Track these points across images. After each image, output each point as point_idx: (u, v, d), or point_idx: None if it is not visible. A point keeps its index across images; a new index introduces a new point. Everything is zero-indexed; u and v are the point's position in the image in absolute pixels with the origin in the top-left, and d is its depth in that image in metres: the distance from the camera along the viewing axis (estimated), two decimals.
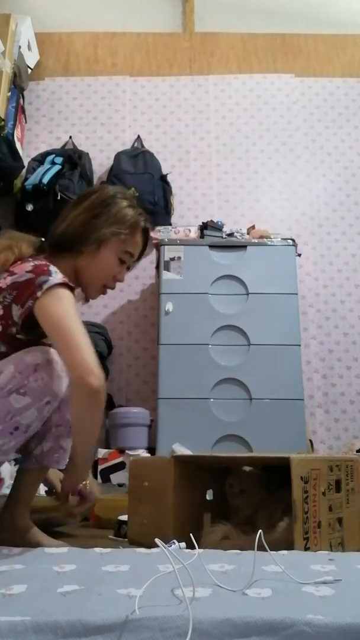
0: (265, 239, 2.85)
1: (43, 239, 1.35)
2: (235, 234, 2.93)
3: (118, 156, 3.30)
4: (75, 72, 3.64)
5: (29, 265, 1.21)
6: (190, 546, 0.99)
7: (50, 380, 1.16)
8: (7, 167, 2.99)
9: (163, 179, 3.26)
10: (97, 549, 0.97)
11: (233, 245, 2.82)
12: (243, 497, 1.30)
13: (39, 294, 1.16)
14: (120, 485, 2.44)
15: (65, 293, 1.18)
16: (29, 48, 3.40)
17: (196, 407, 2.55)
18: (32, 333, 1.21)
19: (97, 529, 1.45)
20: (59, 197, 3.01)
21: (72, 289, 1.21)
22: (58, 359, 1.19)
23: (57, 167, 3.14)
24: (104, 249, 1.32)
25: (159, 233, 2.88)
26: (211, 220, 2.93)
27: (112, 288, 1.41)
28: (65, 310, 1.16)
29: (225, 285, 2.74)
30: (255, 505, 1.28)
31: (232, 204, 3.42)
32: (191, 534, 0.93)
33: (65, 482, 1.24)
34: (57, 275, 1.19)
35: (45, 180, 3.05)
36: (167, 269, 2.75)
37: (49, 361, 1.17)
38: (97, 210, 1.32)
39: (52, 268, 1.21)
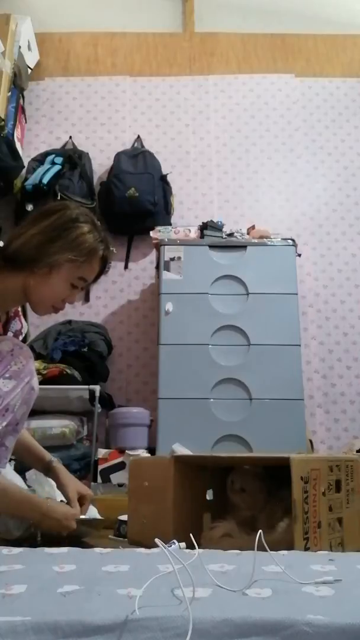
0: (265, 239, 2.85)
1: None
2: (235, 234, 2.93)
3: (118, 156, 3.30)
4: (75, 72, 3.64)
5: None
6: (190, 546, 0.99)
7: (25, 360, 1.25)
8: (7, 167, 2.99)
9: (163, 179, 3.26)
10: (97, 549, 0.97)
11: (233, 245, 2.81)
12: (243, 497, 1.30)
13: None
14: (120, 485, 2.44)
15: None
16: (29, 48, 3.40)
17: (196, 407, 2.55)
18: None
19: (97, 529, 1.45)
20: (59, 197, 3.01)
21: None
22: (21, 343, 1.28)
23: (57, 167, 3.14)
24: (56, 274, 1.26)
25: (159, 233, 2.88)
26: (211, 220, 2.93)
27: (62, 309, 1.34)
28: None
29: (225, 285, 2.74)
30: (254, 507, 1.28)
31: (232, 204, 3.42)
32: (191, 534, 0.93)
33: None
34: None
35: (45, 180, 3.05)
36: (167, 269, 2.75)
37: (18, 345, 1.26)
38: (54, 234, 1.26)
39: None
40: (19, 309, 1.42)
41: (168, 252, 2.77)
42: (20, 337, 1.40)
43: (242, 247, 2.80)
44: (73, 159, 3.21)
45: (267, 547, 0.79)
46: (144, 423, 2.70)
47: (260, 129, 3.56)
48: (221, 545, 1.12)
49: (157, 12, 3.76)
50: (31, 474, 1.59)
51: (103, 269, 1.36)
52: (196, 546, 0.92)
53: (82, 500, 1.36)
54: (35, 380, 1.30)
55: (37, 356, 2.77)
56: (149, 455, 2.51)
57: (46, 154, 3.28)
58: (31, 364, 1.28)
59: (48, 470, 1.40)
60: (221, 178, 3.46)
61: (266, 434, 2.50)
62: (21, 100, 3.30)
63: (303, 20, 3.73)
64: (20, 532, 1.29)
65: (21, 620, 0.56)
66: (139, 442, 2.63)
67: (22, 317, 1.42)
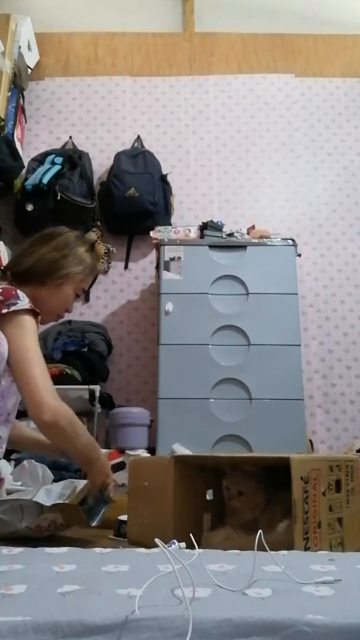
0: (265, 239, 2.85)
1: (2, 268, 1.50)
2: (235, 234, 2.93)
3: (118, 156, 3.30)
4: (75, 72, 3.64)
5: None
6: (190, 546, 0.99)
7: None
8: (7, 167, 3.00)
9: (163, 179, 3.26)
10: (97, 549, 0.96)
11: (233, 245, 2.82)
12: (241, 500, 1.29)
13: (4, 310, 1.27)
14: (120, 485, 2.43)
15: (30, 322, 1.30)
16: (29, 48, 3.40)
17: (196, 407, 2.55)
18: None
19: (97, 529, 1.45)
20: (59, 197, 3.01)
21: (37, 315, 1.34)
22: None
23: (57, 167, 3.14)
24: (67, 285, 1.47)
25: (159, 233, 2.88)
26: (211, 220, 2.93)
27: (62, 317, 1.55)
28: (26, 343, 1.27)
29: (225, 285, 2.74)
30: (255, 507, 1.27)
31: (232, 204, 3.42)
32: (191, 534, 0.93)
33: (90, 483, 1.38)
34: (24, 300, 1.32)
35: (45, 180, 3.05)
36: (167, 269, 2.75)
37: None
38: (65, 251, 1.47)
39: (20, 293, 1.33)
40: None
41: (168, 252, 2.77)
42: None
43: (242, 247, 2.80)
44: (73, 159, 3.21)
45: (267, 547, 0.79)
46: (144, 423, 2.70)
47: (260, 129, 3.56)
48: (221, 545, 1.12)
49: (157, 12, 3.76)
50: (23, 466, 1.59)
51: (93, 282, 1.62)
52: (196, 546, 0.91)
53: None
54: None
55: None
56: (149, 455, 2.51)
57: (46, 154, 3.28)
58: None
59: (62, 452, 1.54)
60: (221, 178, 3.46)
61: (266, 434, 2.50)
62: (21, 100, 3.30)
63: (303, 20, 3.73)
64: (25, 524, 1.27)
65: (21, 620, 0.56)
66: (139, 442, 2.62)
67: None
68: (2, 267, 1.51)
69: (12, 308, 1.28)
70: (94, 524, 1.33)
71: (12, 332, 1.27)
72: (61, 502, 1.32)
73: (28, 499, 1.31)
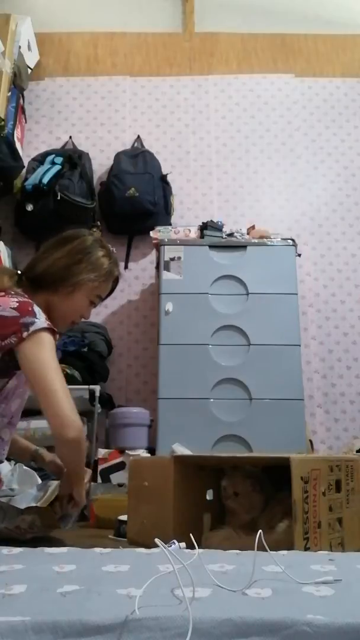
0: (265, 239, 2.85)
1: (19, 272, 1.46)
2: (235, 234, 2.93)
3: (118, 156, 3.30)
4: (75, 72, 3.64)
5: (13, 300, 1.29)
6: (190, 546, 0.99)
7: None
8: (7, 167, 3.00)
9: (163, 179, 3.26)
10: (97, 549, 0.96)
11: (233, 245, 2.82)
12: (238, 500, 1.30)
13: (24, 334, 1.24)
14: (120, 485, 2.43)
15: (47, 338, 1.27)
16: (29, 48, 3.39)
17: (196, 407, 2.55)
18: (9, 364, 1.28)
19: (97, 529, 1.46)
20: (59, 197, 3.01)
21: (54, 333, 1.30)
22: None
23: (57, 167, 3.14)
24: (79, 292, 1.43)
25: (159, 233, 2.88)
26: (211, 220, 2.93)
27: (78, 324, 1.53)
28: (45, 359, 1.24)
29: (225, 285, 2.74)
30: (252, 508, 1.27)
31: (232, 204, 3.42)
32: (191, 534, 0.93)
33: (61, 488, 1.35)
34: (41, 318, 1.28)
35: (45, 180, 3.05)
36: (167, 269, 2.75)
37: None
38: (78, 257, 1.43)
39: (36, 309, 1.30)
40: None
41: (168, 252, 2.77)
42: None
43: (242, 247, 2.80)
44: (73, 159, 3.21)
45: (267, 547, 0.79)
46: (144, 423, 2.70)
47: (260, 129, 3.56)
48: (221, 546, 1.12)
49: (157, 12, 3.76)
50: (13, 469, 1.59)
51: (114, 288, 1.55)
52: (196, 546, 0.91)
53: None
54: None
55: None
56: (149, 455, 2.51)
57: (46, 154, 3.28)
58: None
59: (35, 458, 1.54)
60: (221, 178, 3.46)
61: (266, 434, 2.50)
62: (21, 100, 3.30)
63: (303, 20, 3.73)
64: (4, 524, 1.27)
65: (21, 620, 0.56)
66: (139, 442, 2.63)
67: None
68: (18, 272, 1.47)
69: (32, 329, 1.25)
70: (65, 527, 1.34)
71: (29, 349, 1.24)
72: (34, 505, 1.32)
73: (5, 501, 1.31)
